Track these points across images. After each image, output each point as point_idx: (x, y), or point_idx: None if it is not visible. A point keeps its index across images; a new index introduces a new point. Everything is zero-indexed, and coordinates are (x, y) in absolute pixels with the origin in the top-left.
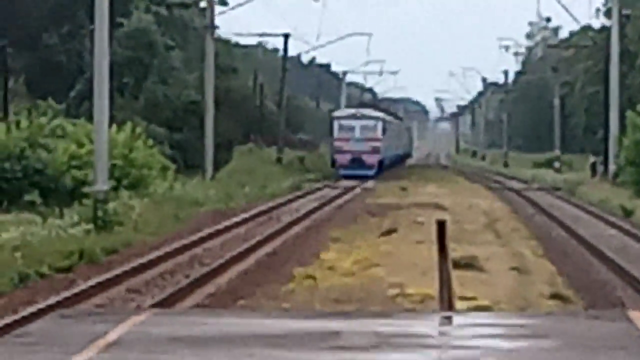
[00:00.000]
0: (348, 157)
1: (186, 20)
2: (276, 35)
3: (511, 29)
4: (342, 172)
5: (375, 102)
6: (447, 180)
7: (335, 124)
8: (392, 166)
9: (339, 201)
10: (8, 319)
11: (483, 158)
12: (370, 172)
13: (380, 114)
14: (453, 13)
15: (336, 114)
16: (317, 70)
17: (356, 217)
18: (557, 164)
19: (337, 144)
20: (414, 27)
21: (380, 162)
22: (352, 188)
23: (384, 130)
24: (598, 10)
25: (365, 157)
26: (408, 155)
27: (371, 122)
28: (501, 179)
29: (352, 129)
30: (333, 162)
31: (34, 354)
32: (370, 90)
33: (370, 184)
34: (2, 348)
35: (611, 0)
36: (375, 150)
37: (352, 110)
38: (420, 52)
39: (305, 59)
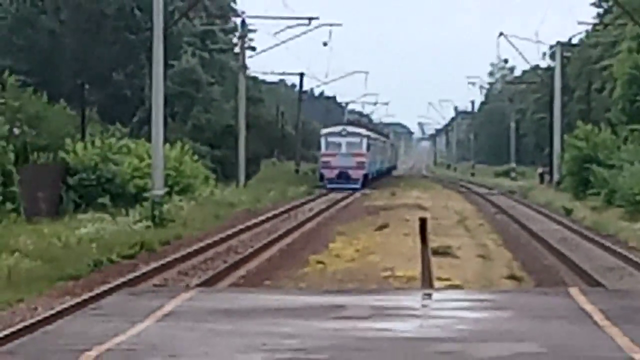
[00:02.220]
0: (335, 171)
1: (223, 62)
2: (293, 74)
3: (477, 68)
4: (330, 185)
5: (361, 121)
6: (427, 187)
7: (323, 141)
8: (378, 179)
9: (343, 203)
10: (86, 296)
11: (455, 169)
12: (356, 186)
13: (365, 132)
14: (433, 55)
15: (324, 131)
16: (325, 101)
17: (356, 215)
18: (513, 174)
19: (324, 159)
20: (402, 66)
21: (365, 176)
22: (352, 193)
23: (369, 147)
24: (544, 53)
25: (351, 172)
26: (393, 168)
27: (356, 139)
28: (469, 185)
29: (338, 145)
30: (321, 176)
31: (106, 323)
32: (367, 116)
33: (367, 190)
34: (82, 318)
35: (555, 46)
36: (360, 165)
37: (339, 128)
38: (407, 85)
39: (316, 92)
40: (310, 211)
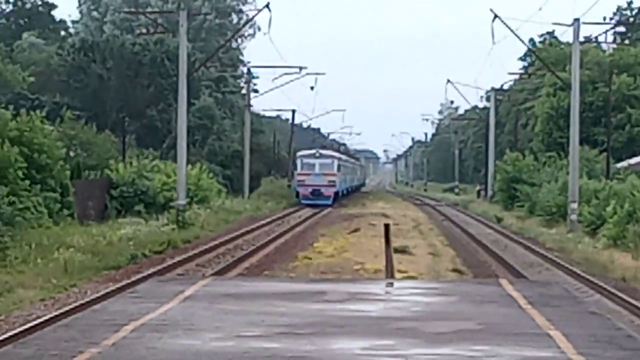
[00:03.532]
0: (309, 189)
1: (233, 101)
2: (287, 110)
3: (430, 107)
4: (304, 201)
5: (333, 145)
6: (390, 200)
7: (299, 162)
8: (348, 195)
9: (324, 212)
10: (124, 282)
11: (412, 186)
12: (328, 202)
13: (336, 154)
14: (396, 97)
15: (300, 153)
16: (312, 132)
17: (335, 221)
18: (456, 190)
19: (299, 178)
20: (372, 105)
21: (336, 193)
22: (335, 205)
23: (339, 167)
24: (482, 96)
25: (323, 190)
26: (362, 185)
27: (328, 160)
28: (422, 199)
29: (312, 166)
30: (297, 193)
31: (140, 304)
32: (344, 144)
33: (345, 201)
34: (121, 299)
35: (490, 91)
36: (331, 184)
37: (313, 151)
38: (375, 120)
39: (305, 125)
40: (299, 218)
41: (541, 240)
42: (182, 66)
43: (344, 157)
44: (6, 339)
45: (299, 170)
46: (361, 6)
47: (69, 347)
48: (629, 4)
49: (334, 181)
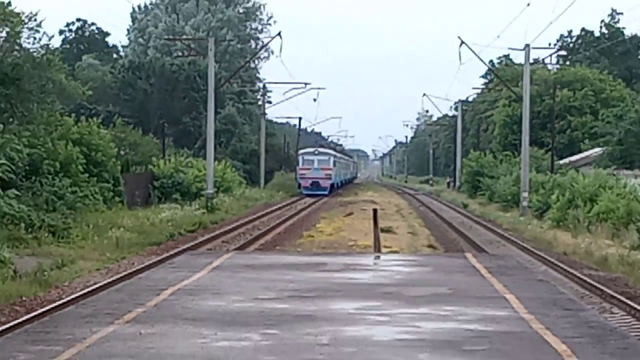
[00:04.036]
0: (309, 181)
1: (251, 111)
2: (294, 117)
3: (410, 115)
4: (305, 192)
5: (330, 144)
6: (377, 190)
7: (300, 158)
8: (342, 186)
9: (324, 200)
10: (164, 255)
11: (395, 179)
12: (325, 192)
13: (332, 152)
14: (383, 106)
15: (301, 151)
16: (315, 135)
17: (333, 207)
18: (431, 182)
19: (301, 172)
20: (363, 113)
21: (332, 185)
22: (333, 195)
23: (335, 163)
24: (451, 107)
25: (321, 182)
26: (354, 178)
27: (325, 157)
28: (403, 189)
29: (312, 161)
30: (299, 185)
31: (177, 272)
32: (341, 145)
33: (340, 191)
34: (162, 269)
35: (458, 102)
36: (328, 177)
37: (312, 149)
38: (366, 125)
39: (309, 129)
40: (304, 204)
41: (499, 222)
42: (211, 83)
43: (338, 154)
44: (69, 301)
45: (300, 165)
46: (355, 32)
47: (119, 307)
48: (569, 32)
49: (330, 174)
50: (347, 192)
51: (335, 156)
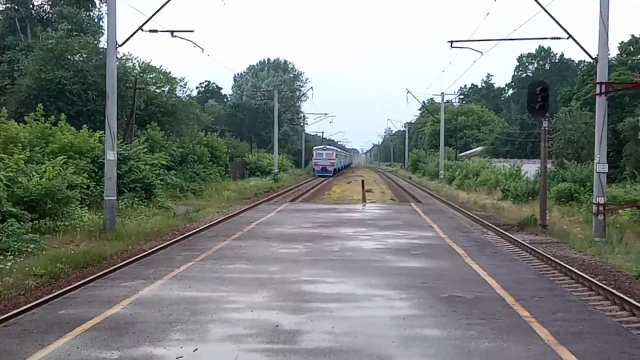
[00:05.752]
0: (320, 167)
1: (297, 129)
2: (320, 131)
3: (381, 123)
4: (317, 174)
5: (333, 143)
6: (364, 171)
7: (315, 152)
8: (342, 170)
9: (332, 178)
10: (252, 204)
11: (373, 164)
12: (330, 174)
13: (335, 148)
14: (369, 110)
15: (315, 148)
16: (326, 140)
17: (340, 180)
18: (392, 166)
19: (315, 161)
20: (354, 113)
21: (335, 170)
22: (335, 176)
23: (336, 155)
24: (403, 125)
25: (328, 167)
26: (350, 164)
27: (330, 151)
28: (377, 170)
29: (322, 154)
30: (314, 170)
31: (259, 213)
32: (338, 142)
33: (341, 172)
34: (251, 212)
35: (406, 123)
36: (332, 164)
37: (321, 146)
38: (357, 126)
39: (327, 137)
40: (324, 180)
41: (428, 186)
42: (275, 114)
43: (339, 149)
44: (203, 228)
45: (314, 157)
46: (353, 48)
47: (229, 231)
48: (465, 85)
49: (333, 162)
50: (345, 173)
51: (336, 151)
